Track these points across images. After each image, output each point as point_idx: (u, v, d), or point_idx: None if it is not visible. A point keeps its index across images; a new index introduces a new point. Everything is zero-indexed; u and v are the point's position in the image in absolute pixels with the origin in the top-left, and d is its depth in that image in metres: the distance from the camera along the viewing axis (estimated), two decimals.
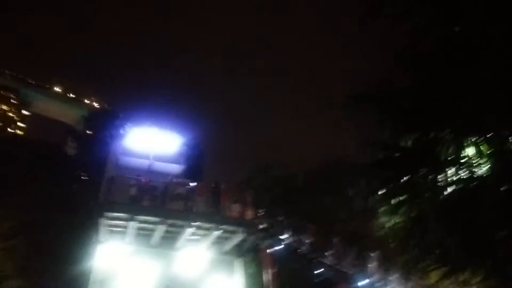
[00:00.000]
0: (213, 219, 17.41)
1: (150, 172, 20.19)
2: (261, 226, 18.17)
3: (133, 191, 17.67)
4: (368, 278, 19.35)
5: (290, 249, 18.51)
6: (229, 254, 20.16)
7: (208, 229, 17.87)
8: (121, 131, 20.41)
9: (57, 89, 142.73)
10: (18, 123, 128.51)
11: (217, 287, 19.35)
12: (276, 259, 18.46)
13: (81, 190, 20.97)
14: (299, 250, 18.35)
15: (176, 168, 20.81)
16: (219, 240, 19.37)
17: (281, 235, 18.39)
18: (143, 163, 20.19)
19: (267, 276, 18.27)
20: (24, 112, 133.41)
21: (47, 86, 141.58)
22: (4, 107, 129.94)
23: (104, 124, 26.47)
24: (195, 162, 25.03)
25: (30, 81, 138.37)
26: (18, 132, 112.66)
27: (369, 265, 19.62)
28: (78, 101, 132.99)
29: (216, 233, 17.48)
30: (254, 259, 20.05)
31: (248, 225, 17.81)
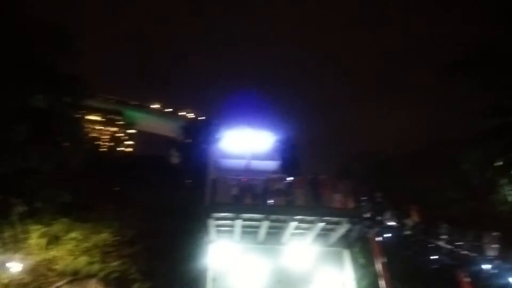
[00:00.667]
0: (315, 212, 17.31)
1: (248, 171, 20.71)
2: (365, 215, 17.57)
3: (235, 190, 18.28)
4: (491, 261, 17.69)
5: (400, 236, 17.64)
6: (336, 245, 19.88)
7: (311, 222, 17.82)
8: (217, 136, 21.24)
9: (155, 106, 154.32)
10: (126, 142, 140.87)
11: (327, 280, 19.22)
12: (386, 247, 17.72)
13: (188, 195, 22.29)
14: (409, 236, 17.40)
15: (272, 164, 21.12)
16: (324, 232, 19.21)
17: (387, 222, 17.61)
18: (241, 163, 20.79)
19: (377, 266, 17.62)
20: (130, 131, 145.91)
21: (146, 104, 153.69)
22: (113, 128, 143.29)
23: (201, 131, 27.91)
24: (290, 157, 25.15)
25: (131, 102, 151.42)
26: (127, 150, 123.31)
27: (491, 247, 17.93)
28: (174, 114, 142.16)
29: (320, 225, 17.34)
30: (363, 249, 19.49)
31: (351, 215, 17.38)
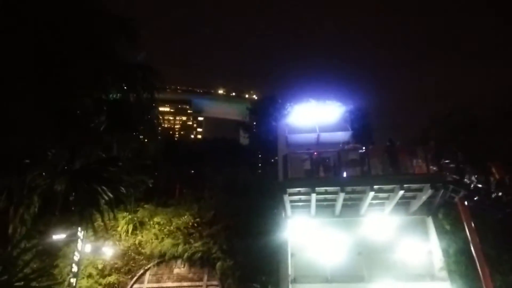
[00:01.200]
0: (394, 179, 16.53)
1: (319, 144, 20.35)
2: (449, 179, 16.45)
3: (307, 165, 18.05)
4: None
5: (488, 198, 16.33)
6: (419, 213, 18.94)
7: (391, 190, 17.09)
8: (285, 111, 21.02)
9: (220, 91, 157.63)
10: (196, 129, 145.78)
11: (411, 249, 18.47)
12: (474, 211, 16.52)
13: (262, 174, 22.48)
14: (499, 197, 16.03)
15: (343, 135, 20.51)
16: (405, 201, 18.38)
17: (473, 184, 16.35)
18: (311, 137, 20.45)
19: (466, 231, 16.51)
20: (199, 118, 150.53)
21: (212, 91, 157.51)
22: (183, 117, 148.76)
23: (268, 109, 27.81)
24: (362, 126, 24.26)
25: (198, 90, 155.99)
26: (198, 136, 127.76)
27: None
28: (240, 97, 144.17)
29: (400, 193, 16.52)
30: (448, 215, 18.33)
31: (434, 180, 16.33)
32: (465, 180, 16.39)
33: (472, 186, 16.22)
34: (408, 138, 18.43)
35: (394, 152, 17.35)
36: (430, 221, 18.98)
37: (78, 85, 10.03)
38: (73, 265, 17.35)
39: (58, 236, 18.14)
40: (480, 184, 16.38)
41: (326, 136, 20.34)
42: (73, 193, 9.04)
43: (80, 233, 17.88)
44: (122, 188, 10.33)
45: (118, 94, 12.06)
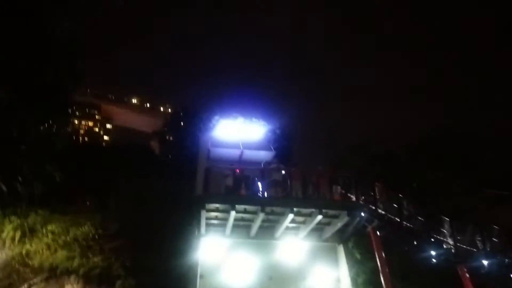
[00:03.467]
0: (314, 204, 16.44)
1: (241, 161, 19.77)
2: (365, 208, 16.82)
3: (229, 181, 17.29)
4: (492, 257, 17.29)
5: (400, 230, 17.01)
6: (331, 240, 19.18)
7: (309, 215, 16.98)
8: (210, 124, 20.16)
9: (134, 100, 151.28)
10: (104, 137, 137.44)
11: (321, 276, 18.49)
12: (384, 242, 17.06)
13: (177, 186, 21.07)
14: (410, 230, 16.77)
15: (266, 154, 20.17)
16: (319, 227, 18.42)
17: (388, 215, 16.93)
18: (234, 153, 19.79)
19: (376, 261, 16.93)
20: (107, 125, 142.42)
21: (125, 99, 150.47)
22: (90, 123, 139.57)
23: (190, 120, 26.70)
24: (284, 147, 24.28)
25: (109, 96, 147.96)
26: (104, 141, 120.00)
27: (492, 242, 17.55)
28: (154, 110, 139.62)
29: (318, 218, 16.46)
30: (359, 244, 18.80)
31: (351, 207, 16.60)
32: (379, 210, 16.89)
33: (386, 217, 16.75)
34: (328, 163, 18.62)
35: (314, 176, 17.37)
36: (341, 249, 19.24)
37: None
38: None
39: None
40: (395, 216, 17.01)
41: (249, 154, 19.83)
42: None
43: None
44: (20, 178, 8.57)
45: (31, 64, 10.28)
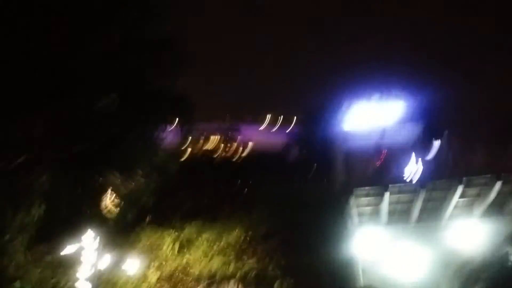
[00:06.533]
0: (489, 169, 13.38)
1: (384, 142, 17.56)
2: None
3: (374, 163, 15.36)
4: None
5: None
6: None
7: (484, 184, 13.88)
8: (341, 113, 18.46)
9: (268, 117, 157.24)
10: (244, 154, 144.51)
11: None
12: None
13: (319, 183, 19.87)
14: None
15: (412, 128, 17.54)
16: (501, 199, 14.99)
17: None
18: (374, 134, 17.72)
19: None
20: (249, 144, 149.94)
21: (259, 117, 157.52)
22: (232, 146, 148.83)
23: (321, 115, 25.38)
24: (433, 118, 21.14)
25: (246, 117, 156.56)
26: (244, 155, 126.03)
27: None
28: (288, 121, 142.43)
29: (497, 187, 13.31)
30: None
31: None
32: None
33: None
34: (494, 128, 15.24)
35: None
36: None
37: None
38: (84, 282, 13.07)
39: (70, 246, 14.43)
40: None
41: (393, 132, 17.49)
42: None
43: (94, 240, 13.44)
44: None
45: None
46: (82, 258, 12.82)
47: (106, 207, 17.78)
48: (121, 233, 19.11)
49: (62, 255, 13.31)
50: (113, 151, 8.84)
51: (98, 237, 12.93)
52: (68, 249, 13.04)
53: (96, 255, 13.03)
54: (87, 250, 12.82)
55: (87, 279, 12.71)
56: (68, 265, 13.76)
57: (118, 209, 18.30)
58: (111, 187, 13.98)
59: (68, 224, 12.32)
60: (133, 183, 10.49)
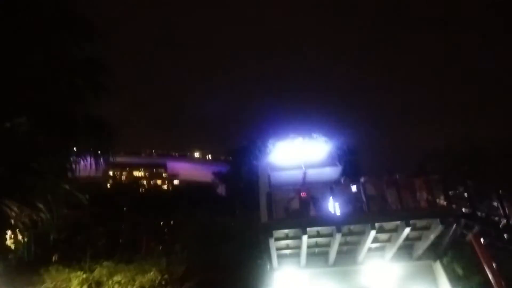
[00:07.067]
0: (399, 215, 14.11)
1: (306, 182, 17.96)
2: (460, 212, 14.19)
3: (294, 204, 15.57)
4: None
5: (507, 232, 14.03)
6: (424, 258, 16.37)
7: (394, 229, 14.62)
8: (266, 150, 18.75)
9: (196, 154, 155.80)
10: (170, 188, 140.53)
11: None
12: (492, 250, 14.14)
13: (243, 220, 19.70)
14: None
15: (332, 172, 18.15)
16: (408, 243, 15.88)
17: (491, 217, 14.11)
18: (296, 175, 18.06)
19: (484, 274, 14.00)
20: (174, 182, 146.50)
21: (188, 154, 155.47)
22: (158, 181, 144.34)
23: (247, 151, 25.61)
24: (351, 162, 22.16)
25: (173, 153, 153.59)
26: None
27: None
28: (216, 160, 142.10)
29: (406, 232, 14.07)
30: (459, 257, 15.92)
31: (443, 214, 14.02)
32: (480, 212, 14.15)
33: (489, 219, 13.96)
34: (403, 173, 16.23)
35: (394, 186, 15.10)
36: (438, 267, 16.34)
37: None
38: None
39: None
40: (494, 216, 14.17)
41: (314, 173, 17.98)
42: None
43: None
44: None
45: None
46: None
47: (8, 242, 16.06)
48: (22, 272, 17.32)
49: None
50: (10, 179, 8.00)
51: None
52: None
53: None
54: None
55: None
56: None
57: (21, 245, 16.62)
58: (12, 220, 12.72)
59: None
60: (35, 217, 9.50)
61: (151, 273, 17.94)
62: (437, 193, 14.85)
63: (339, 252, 16.02)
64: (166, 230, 21.64)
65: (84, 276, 17.93)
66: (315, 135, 19.01)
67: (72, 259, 18.67)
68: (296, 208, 15.52)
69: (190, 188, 31.29)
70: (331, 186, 15.93)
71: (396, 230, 14.64)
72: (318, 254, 16.57)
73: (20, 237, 15.47)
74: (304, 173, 18.04)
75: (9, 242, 16.03)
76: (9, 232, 15.40)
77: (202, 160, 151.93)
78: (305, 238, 14.41)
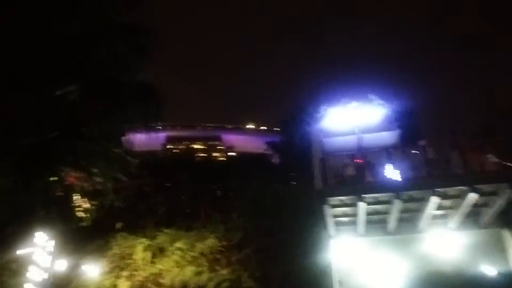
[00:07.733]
0: (463, 179, 13.25)
1: (361, 148, 17.35)
2: None
3: (350, 170, 15.13)
4: None
5: None
6: (492, 226, 15.38)
7: (458, 195, 13.77)
8: (319, 115, 18.28)
9: (250, 126, 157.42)
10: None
11: (487, 271, 14.80)
12: None
13: (296, 187, 19.62)
14: None
15: (390, 136, 17.38)
16: (475, 210, 14.92)
17: None
18: (351, 140, 17.48)
19: None
20: (229, 154, 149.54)
21: (242, 126, 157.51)
22: (217, 154, 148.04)
23: (299, 117, 25.23)
24: (411, 126, 21.12)
25: (228, 126, 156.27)
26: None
27: None
28: (270, 131, 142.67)
29: (471, 198, 13.21)
30: None
31: None
32: None
33: None
34: (468, 135, 15.16)
35: (458, 149, 14.16)
36: (507, 235, 15.35)
37: None
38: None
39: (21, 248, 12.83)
40: None
41: (369, 138, 17.30)
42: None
43: (46, 243, 12.41)
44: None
45: None
46: (34, 261, 12.15)
47: (77, 208, 17.12)
48: (91, 239, 18.53)
49: (11, 257, 12.66)
50: (63, 144, 8.30)
51: (53, 240, 12.32)
52: (18, 251, 12.43)
53: (51, 259, 12.38)
54: (39, 253, 12.17)
55: (37, 284, 12.04)
56: (17, 268, 13.13)
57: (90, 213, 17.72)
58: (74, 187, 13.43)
59: (18, 225, 11.67)
60: (93, 184, 9.93)
61: (210, 239, 18.52)
62: (506, 156, 13.73)
63: (399, 220, 15.49)
64: (222, 198, 22.09)
65: (148, 242, 18.86)
66: (371, 98, 18.21)
67: (136, 227, 19.64)
68: (352, 174, 15.09)
69: (245, 158, 31.50)
70: (389, 151, 15.26)
71: (461, 196, 13.78)
72: (377, 222, 16.10)
73: (87, 205, 16.46)
74: (359, 139, 17.44)
75: (78, 212, 17.09)
76: (77, 202, 16.38)
77: (255, 131, 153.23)
78: (361, 205, 14.01)
